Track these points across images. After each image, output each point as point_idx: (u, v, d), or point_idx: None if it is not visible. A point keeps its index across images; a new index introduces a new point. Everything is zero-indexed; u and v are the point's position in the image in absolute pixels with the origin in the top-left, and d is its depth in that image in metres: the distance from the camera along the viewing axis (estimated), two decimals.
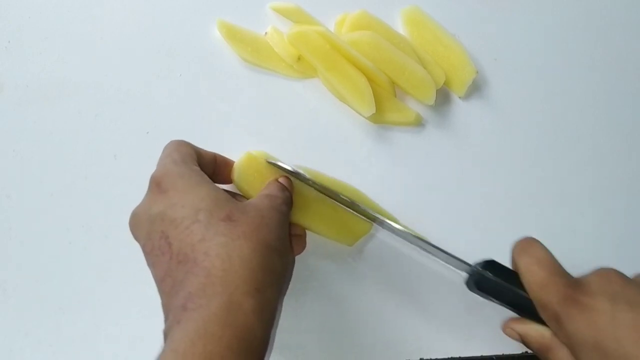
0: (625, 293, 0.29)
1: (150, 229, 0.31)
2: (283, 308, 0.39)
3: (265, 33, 0.44)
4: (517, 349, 0.42)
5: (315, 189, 0.40)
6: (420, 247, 0.38)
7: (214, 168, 0.37)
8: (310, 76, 0.45)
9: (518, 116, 0.46)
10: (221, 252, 0.29)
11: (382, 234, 0.43)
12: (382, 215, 0.39)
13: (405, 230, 0.38)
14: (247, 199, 0.37)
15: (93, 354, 0.42)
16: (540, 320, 0.32)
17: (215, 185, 0.33)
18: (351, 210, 0.41)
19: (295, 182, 0.40)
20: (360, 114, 0.43)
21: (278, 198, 0.35)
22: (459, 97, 0.46)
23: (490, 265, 0.34)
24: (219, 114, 0.44)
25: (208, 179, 0.33)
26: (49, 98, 0.44)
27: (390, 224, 0.38)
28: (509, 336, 0.34)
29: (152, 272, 0.31)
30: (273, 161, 0.39)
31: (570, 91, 0.47)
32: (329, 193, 0.40)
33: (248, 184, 0.39)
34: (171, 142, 0.35)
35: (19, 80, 0.44)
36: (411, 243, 0.39)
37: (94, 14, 0.45)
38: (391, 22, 0.45)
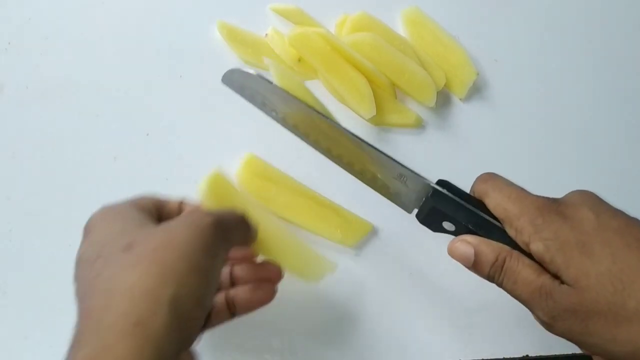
0: (606, 207, 0.30)
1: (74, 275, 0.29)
2: (276, 310, 0.39)
3: (266, 34, 0.44)
4: (518, 352, 0.42)
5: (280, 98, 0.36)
6: (371, 155, 0.35)
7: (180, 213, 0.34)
8: (310, 78, 0.45)
9: (518, 118, 0.46)
10: (106, 286, 0.25)
11: (383, 235, 0.43)
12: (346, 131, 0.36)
13: (360, 138, 0.35)
14: None
15: None
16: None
17: (145, 221, 0.30)
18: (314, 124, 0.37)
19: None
20: (361, 116, 0.43)
21: (206, 216, 0.28)
22: (460, 99, 0.46)
23: (445, 183, 0.33)
24: (219, 115, 0.44)
25: (140, 216, 0.30)
26: (49, 99, 0.44)
27: (354, 137, 0.35)
28: (459, 252, 0.32)
29: None
30: (233, 69, 0.36)
31: (570, 92, 0.47)
32: (295, 101, 0.36)
33: (213, 202, 0.36)
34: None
35: (19, 81, 0.44)
36: (360, 153, 0.36)
37: (94, 14, 0.45)
38: (391, 24, 0.45)
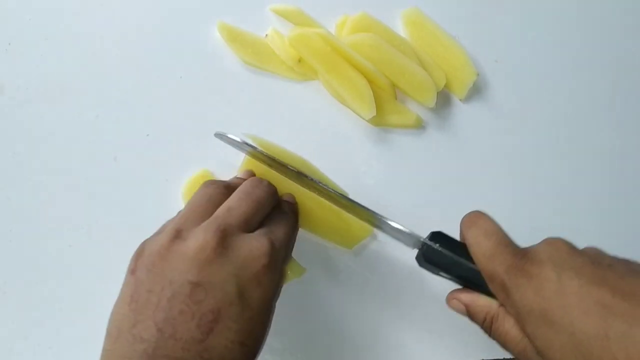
0: (573, 261, 0.28)
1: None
2: (276, 311, 0.40)
3: (266, 35, 0.44)
4: None
5: (264, 160, 0.39)
6: (371, 222, 0.37)
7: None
8: (310, 78, 0.45)
9: (519, 118, 0.46)
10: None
11: (382, 238, 0.43)
12: (332, 187, 0.38)
13: (357, 203, 0.37)
14: None
15: (93, 356, 0.41)
16: (487, 293, 0.31)
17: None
18: (298, 183, 0.39)
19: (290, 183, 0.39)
20: (361, 117, 0.43)
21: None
22: (460, 100, 0.46)
23: (438, 237, 0.34)
24: (220, 115, 0.44)
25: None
26: (50, 99, 0.44)
27: (341, 196, 0.37)
28: (453, 308, 0.33)
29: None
30: (221, 133, 0.38)
31: (571, 93, 0.47)
32: (277, 164, 0.38)
33: None
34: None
35: (19, 82, 0.44)
36: (358, 217, 0.38)
37: (94, 15, 0.45)
38: (392, 24, 0.45)
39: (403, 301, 0.43)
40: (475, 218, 0.33)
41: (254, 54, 0.44)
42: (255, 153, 0.38)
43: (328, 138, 0.44)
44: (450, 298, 0.33)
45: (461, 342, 0.43)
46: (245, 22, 0.45)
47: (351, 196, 0.42)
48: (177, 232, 0.31)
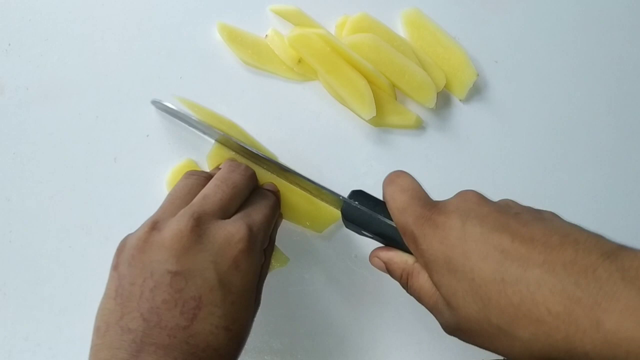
0: (479, 210, 0.29)
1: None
2: (276, 311, 0.40)
3: (266, 35, 0.44)
4: None
5: (194, 126, 0.40)
6: (297, 184, 0.38)
7: None
8: (310, 79, 0.45)
9: (519, 119, 0.46)
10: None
11: None
12: (259, 149, 0.39)
13: (284, 166, 0.38)
14: None
15: None
16: (406, 250, 0.32)
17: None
18: (226, 147, 0.40)
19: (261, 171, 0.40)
20: (361, 117, 0.43)
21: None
22: (460, 100, 0.46)
23: (358, 194, 0.34)
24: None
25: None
26: (49, 100, 0.44)
27: (270, 160, 0.38)
28: (374, 265, 0.34)
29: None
30: (158, 100, 0.39)
31: (571, 93, 0.47)
32: (207, 129, 0.39)
33: None
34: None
35: (19, 82, 0.44)
36: (287, 178, 0.39)
37: (94, 15, 0.45)
38: (392, 25, 0.45)
39: (403, 301, 0.43)
40: (394, 176, 0.33)
41: (254, 54, 0.44)
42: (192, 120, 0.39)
43: (328, 138, 0.44)
44: (371, 256, 0.34)
45: (461, 342, 0.43)
46: (245, 23, 0.45)
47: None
48: (153, 223, 0.31)
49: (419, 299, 0.31)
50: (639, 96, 0.47)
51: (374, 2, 0.45)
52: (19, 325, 0.41)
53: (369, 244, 0.43)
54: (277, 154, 0.43)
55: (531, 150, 0.46)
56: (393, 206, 0.31)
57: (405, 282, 0.32)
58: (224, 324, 0.30)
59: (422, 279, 0.30)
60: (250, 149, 0.38)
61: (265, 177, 0.41)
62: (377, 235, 0.34)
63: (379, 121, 0.44)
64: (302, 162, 0.43)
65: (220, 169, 0.38)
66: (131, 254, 0.31)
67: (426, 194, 0.32)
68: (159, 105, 0.40)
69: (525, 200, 0.45)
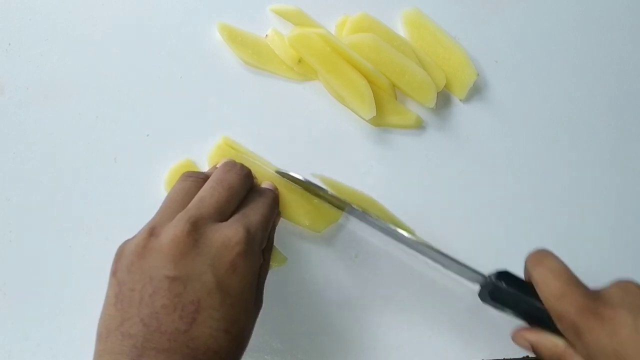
0: None
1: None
2: (276, 311, 0.40)
3: (266, 35, 0.44)
4: (518, 353, 0.42)
5: (327, 200, 0.40)
6: (432, 258, 0.38)
7: None
8: (310, 78, 0.45)
9: (519, 118, 0.46)
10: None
11: (382, 238, 0.43)
12: (396, 224, 0.38)
13: (421, 242, 0.37)
14: None
15: None
16: (553, 331, 0.32)
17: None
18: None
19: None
20: (361, 117, 0.43)
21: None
22: (460, 100, 0.46)
23: (504, 275, 0.34)
24: (220, 116, 0.44)
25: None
26: (50, 100, 0.44)
27: (405, 237, 0.37)
28: (520, 345, 0.34)
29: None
30: (283, 171, 0.39)
31: (571, 93, 0.47)
32: (342, 204, 0.39)
33: None
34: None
35: (19, 82, 0.44)
36: (422, 254, 0.39)
37: (94, 15, 0.45)
38: (392, 25, 0.45)
39: (403, 301, 0.43)
40: (541, 256, 0.33)
41: (254, 54, 0.44)
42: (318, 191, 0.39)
43: (328, 138, 0.44)
44: (517, 336, 0.34)
45: (462, 341, 0.43)
46: (245, 23, 0.45)
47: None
48: (151, 229, 0.31)
49: None
50: (639, 96, 0.47)
51: (374, 2, 0.45)
52: (19, 325, 0.41)
53: (369, 244, 0.43)
54: (277, 154, 0.43)
55: (531, 150, 0.46)
56: (547, 291, 0.31)
57: None
58: (224, 326, 0.30)
59: None
60: (383, 224, 0.38)
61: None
62: (522, 315, 0.34)
63: (379, 121, 0.44)
64: (302, 162, 0.43)
65: (216, 168, 0.38)
66: (130, 260, 0.31)
67: (578, 279, 0.32)
68: (284, 175, 0.40)
69: (525, 200, 0.45)
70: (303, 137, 0.44)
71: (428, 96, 0.44)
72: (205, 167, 0.43)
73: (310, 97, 0.44)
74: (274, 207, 0.37)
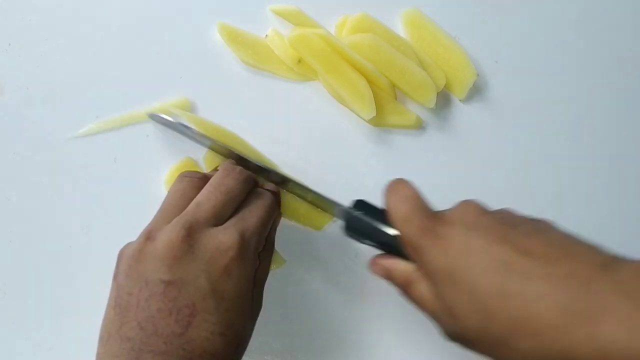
0: (481, 222, 0.29)
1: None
2: (276, 312, 0.40)
3: (266, 35, 0.44)
4: None
5: (195, 139, 0.40)
6: (296, 192, 0.38)
7: None
8: (310, 79, 0.45)
9: (519, 118, 0.46)
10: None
11: None
12: (258, 157, 0.39)
13: (279, 172, 0.38)
14: None
15: (93, 357, 0.41)
16: (407, 258, 0.32)
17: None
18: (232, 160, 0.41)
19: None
20: (361, 117, 0.43)
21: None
22: (460, 100, 0.46)
23: (361, 204, 0.34)
24: (219, 116, 0.44)
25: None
26: (50, 100, 0.44)
27: (260, 165, 0.39)
28: (375, 273, 0.34)
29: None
30: (154, 114, 0.40)
31: (571, 93, 0.47)
32: (206, 141, 0.39)
33: None
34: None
35: (19, 82, 0.44)
36: (289, 190, 0.39)
37: (94, 15, 0.45)
38: (392, 25, 0.45)
39: (403, 301, 0.43)
40: (395, 185, 0.33)
41: (254, 54, 0.44)
42: (199, 135, 0.39)
43: (328, 138, 0.44)
44: (372, 263, 0.34)
45: None
46: (245, 23, 0.45)
47: (350, 196, 0.42)
48: (148, 233, 0.32)
49: (419, 307, 0.32)
50: (639, 96, 0.47)
51: (374, 2, 0.45)
52: (19, 325, 0.41)
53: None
54: (277, 154, 0.43)
55: (531, 150, 0.46)
56: (395, 216, 0.32)
57: (406, 289, 0.32)
58: (219, 330, 0.30)
59: (423, 288, 0.31)
60: (243, 156, 0.38)
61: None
62: (378, 244, 0.34)
63: (379, 121, 0.44)
64: (302, 163, 0.43)
65: (216, 170, 0.38)
66: (128, 264, 0.31)
67: (428, 204, 0.32)
68: (156, 118, 0.41)
69: (525, 200, 0.45)
70: (303, 137, 0.44)
71: (428, 96, 0.44)
72: (204, 168, 0.43)
73: (310, 97, 0.44)
74: (273, 210, 0.37)
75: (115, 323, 0.30)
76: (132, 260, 0.31)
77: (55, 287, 0.42)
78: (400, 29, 0.46)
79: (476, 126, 0.45)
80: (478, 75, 0.45)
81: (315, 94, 0.44)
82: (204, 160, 0.42)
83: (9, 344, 0.41)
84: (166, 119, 0.39)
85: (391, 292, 0.43)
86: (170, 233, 0.31)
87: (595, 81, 0.47)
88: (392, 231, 0.32)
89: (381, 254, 0.34)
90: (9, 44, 0.44)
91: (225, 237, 0.32)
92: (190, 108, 0.43)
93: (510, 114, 0.46)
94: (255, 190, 0.37)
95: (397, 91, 0.45)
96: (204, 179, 0.36)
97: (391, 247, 0.33)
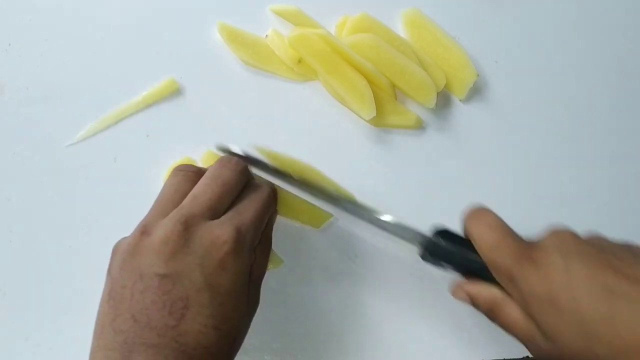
0: (578, 249, 0.29)
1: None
2: (276, 311, 0.40)
3: (266, 35, 0.44)
4: (518, 354, 0.42)
5: (268, 172, 0.40)
6: (374, 223, 0.38)
7: None
8: (310, 79, 0.45)
9: (519, 118, 0.46)
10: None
11: (381, 238, 0.43)
12: (341, 193, 0.39)
13: (362, 206, 0.38)
14: None
15: None
16: (490, 283, 0.32)
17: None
18: (307, 193, 0.40)
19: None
20: (361, 117, 0.43)
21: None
22: (460, 100, 0.46)
23: (442, 232, 0.35)
24: (219, 116, 0.44)
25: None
26: (50, 100, 0.44)
27: (348, 204, 0.38)
28: (458, 298, 0.34)
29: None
30: (223, 146, 0.39)
31: (571, 93, 0.47)
32: (281, 176, 0.39)
33: None
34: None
35: (19, 82, 0.44)
36: (364, 220, 0.39)
37: (94, 16, 0.45)
38: (392, 25, 0.45)
39: (403, 301, 0.43)
40: (477, 213, 0.33)
41: (254, 54, 0.44)
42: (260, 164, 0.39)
43: (328, 139, 0.44)
44: (455, 290, 0.34)
45: (463, 341, 0.43)
46: (245, 23, 0.45)
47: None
48: (144, 227, 0.32)
49: (508, 330, 0.32)
50: (639, 96, 0.47)
51: (374, 2, 0.45)
52: (19, 325, 0.41)
53: (369, 244, 0.43)
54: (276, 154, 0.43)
55: (531, 150, 0.46)
56: (483, 244, 0.32)
57: (493, 314, 0.32)
58: (213, 323, 0.30)
59: (513, 312, 0.31)
60: (320, 187, 0.39)
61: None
62: (461, 270, 0.34)
63: (379, 121, 0.44)
64: (302, 163, 0.43)
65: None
66: (122, 258, 0.32)
67: (514, 231, 0.32)
68: (224, 149, 0.40)
69: (525, 200, 0.45)
70: (303, 137, 0.44)
71: (428, 96, 0.44)
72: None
73: (310, 97, 0.44)
74: (269, 203, 0.37)
75: (109, 316, 0.30)
76: (126, 254, 0.31)
77: (55, 287, 0.42)
78: (400, 29, 0.46)
79: (476, 126, 0.45)
80: (478, 75, 0.45)
81: (315, 94, 0.44)
82: (202, 160, 0.42)
83: (9, 344, 0.41)
84: (235, 152, 0.39)
85: (391, 292, 0.43)
86: (167, 228, 0.31)
87: (595, 81, 0.47)
88: (477, 257, 0.33)
89: (464, 281, 0.34)
90: (9, 44, 0.44)
91: (221, 231, 0.32)
92: (178, 90, 0.43)
93: (510, 114, 0.46)
94: (251, 183, 0.37)
95: (397, 91, 0.45)
96: (199, 172, 0.36)
97: (474, 274, 0.33)
